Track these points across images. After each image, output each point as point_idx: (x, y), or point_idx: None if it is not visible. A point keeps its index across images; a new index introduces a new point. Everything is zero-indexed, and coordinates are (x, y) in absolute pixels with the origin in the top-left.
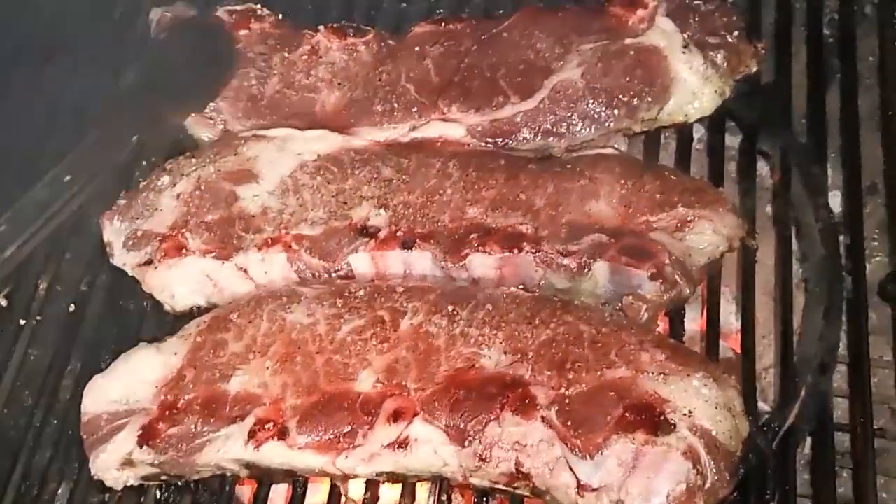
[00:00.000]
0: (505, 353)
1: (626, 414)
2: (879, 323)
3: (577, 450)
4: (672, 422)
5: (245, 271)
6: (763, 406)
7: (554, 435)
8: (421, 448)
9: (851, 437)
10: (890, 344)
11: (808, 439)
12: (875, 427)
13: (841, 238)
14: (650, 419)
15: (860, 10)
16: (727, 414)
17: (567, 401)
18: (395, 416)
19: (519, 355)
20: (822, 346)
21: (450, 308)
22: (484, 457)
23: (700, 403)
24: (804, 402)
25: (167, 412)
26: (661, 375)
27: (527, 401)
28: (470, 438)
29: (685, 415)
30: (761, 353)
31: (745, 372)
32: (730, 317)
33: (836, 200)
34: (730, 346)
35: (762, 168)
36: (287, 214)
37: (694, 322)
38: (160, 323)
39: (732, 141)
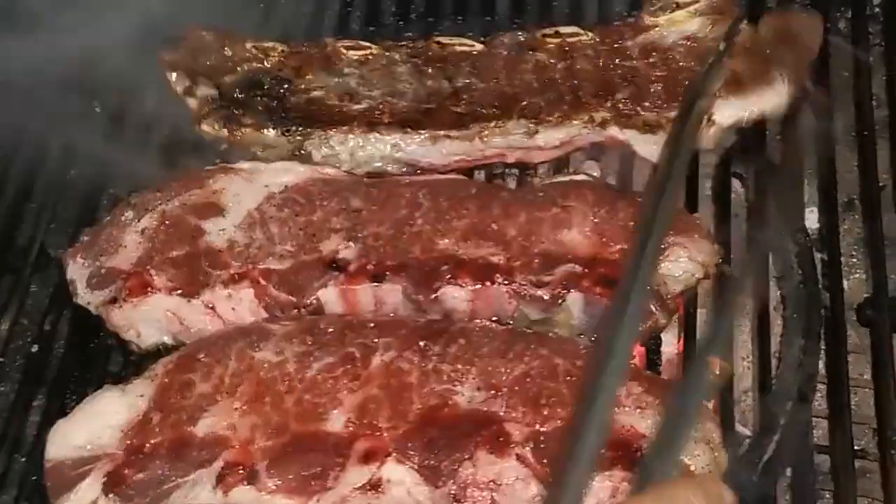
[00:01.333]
0: (478, 388)
1: (603, 450)
2: (861, 342)
3: None
4: None
5: (212, 308)
6: (744, 430)
7: (529, 473)
8: (394, 490)
9: (831, 459)
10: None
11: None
12: (857, 448)
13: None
14: (627, 455)
15: (833, 25)
16: (705, 447)
17: (542, 437)
18: (367, 458)
19: (493, 391)
20: (801, 374)
21: (421, 343)
22: (458, 497)
23: None
24: (784, 433)
25: (133, 457)
26: (638, 409)
27: (501, 438)
28: (444, 478)
29: None
30: (742, 376)
31: (723, 403)
32: None
33: (814, 216)
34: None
35: (740, 187)
36: (254, 249)
37: (672, 345)
38: (126, 360)
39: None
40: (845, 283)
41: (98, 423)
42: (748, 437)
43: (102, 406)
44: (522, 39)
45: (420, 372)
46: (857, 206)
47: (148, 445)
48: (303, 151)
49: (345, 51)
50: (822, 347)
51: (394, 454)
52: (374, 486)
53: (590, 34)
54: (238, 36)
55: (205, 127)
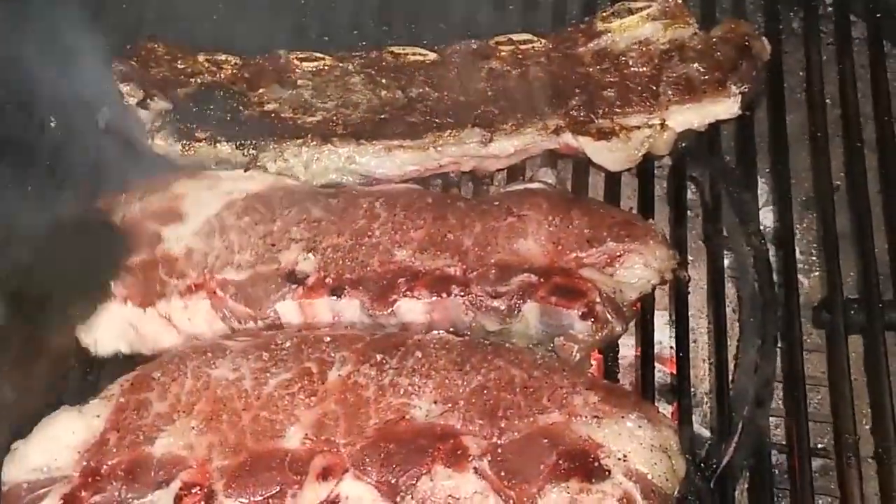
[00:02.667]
0: (435, 402)
1: (560, 461)
2: (822, 341)
3: (511, 501)
4: (607, 467)
5: (168, 319)
6: (706, 432)
7: (487, 486)
8: None
9: (788, 458)
10: None
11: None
12: (820, 447)
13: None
14: (584, 466)
15: (787, 25)
16: (663, 455)
17: (499, 450)
18: (325, 474)
19: (450, 404)
20: (757, 379)
21: (378, 357)
22: None
23: (635, 446)
24: (741, 437)
25: (90, 479)
26: (595, 419)
27: (459, 452)
28: (402, 493)
29: (620, 459)
30: (703, 378)
31: (681, 408)
32: (672, 340)
33: (773, 216)
34: (669, 370)
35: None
36: (212, 258)
37: (630, 348)
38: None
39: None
40: (806, 281)
41: (55, 444)
42: (709, 439)
43: (59, 427)
44: (475, 48)
45: (377, 386)
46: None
47: (105, 467)
48: (258, 165)
49: (298, 62)
50: (780, 348)
51: (351, 470)
52: (333, 503)
53: (543, 41)
54: (191, 48)
55: (158, 141)
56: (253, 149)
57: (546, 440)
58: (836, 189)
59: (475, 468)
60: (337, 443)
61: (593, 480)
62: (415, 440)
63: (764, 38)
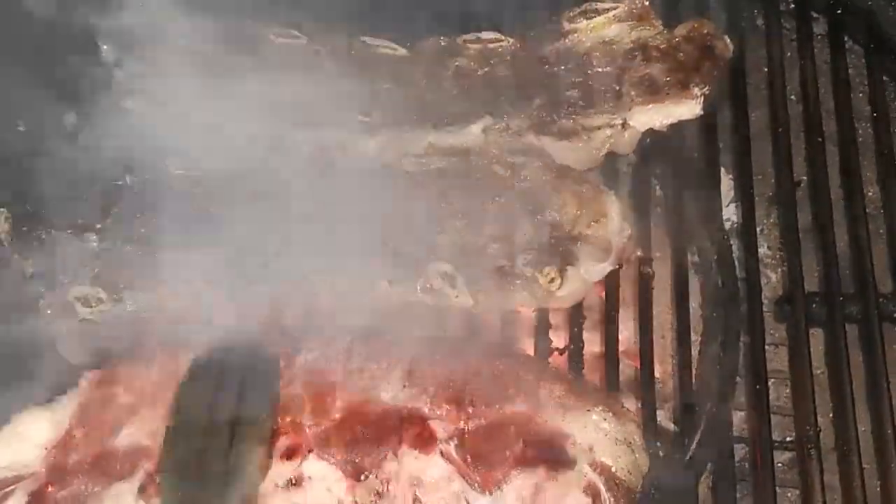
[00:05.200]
0: (404, 386)
1: (527, 449)
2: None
3: (476, 485)
4: (573, 457)
5: None
6: (670, 427)
7: (453, 470)
8: (315, 486)
9: (750, 451)
10: None
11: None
12: (789, 440)
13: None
14: (550, 454)
15: (751, 21)
16: (626, 449)
17: (466, 435)
18: (289, 454)
19: (417, 389)
20: (720, 373)
21: (346, 341)
22: (381, 492)
23: (600, 438)
24: (705, 431)
25: (56, 475)
26: (561, 410)
27: (425, 434)
28: (366, 473)
29: (586, 450)
30: (671, 373)
31: (644, 403)
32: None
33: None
34: (636, 364)
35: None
36: None
37: (597, 344)
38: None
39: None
40: (772, 276)
41: (22, 442)
42: (674, 433)
43: (27, 425)
44: (444, 45)
45: (344, 370)
46: None
47: (71, 462)
48: None
49: (273, 37)
50: (743, 342)
51: (315, 450)
52: (296, 482)
53: (510, 40)
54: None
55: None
56: None
57: (513, 428)
58: (799, 184)
59: (441, 451)
60: (302, 424)
61: (559, 469)
62: (381, 421)
63: (726, 36)
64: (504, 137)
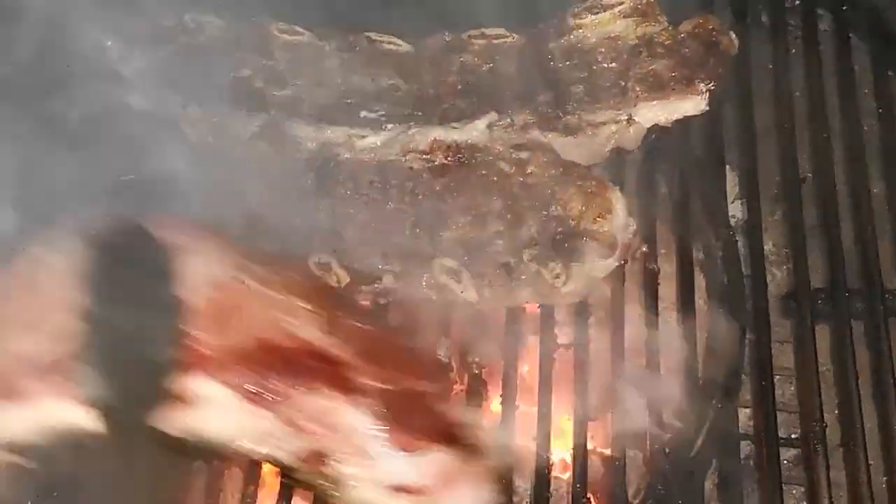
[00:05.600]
0: (328, 333)
1: (447, 427)
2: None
3: (390, 442)
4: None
5: None
6: (676, 423)
7: (368, 420)
8: (213, 407)
9: (755, 448)
10: None
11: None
12: (794, 437)
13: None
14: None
15: (755, 19)
16: None
17: (389, 395)
18: (187, 370)
19: (341, 339)
20: (726, 369)
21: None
22: (290, 423)
23: None
24: (710, 428)
25: None
26: None
27: (344, 378)
28: (277, 402)
29: None
30: (673, 370)
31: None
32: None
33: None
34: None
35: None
36: None
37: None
38: None
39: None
40: (778, 272)
41: None
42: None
43: None
44: (449, 40)
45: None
46: None
47: None
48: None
49: (278, 33)
50: (749, 339)
51: (219, 371)
52: (186, 399)
53: (515, 36)
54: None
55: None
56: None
57: (433, 404)
58: (805, 181)
59: (361, 400)
60: (210, 343)
61: (476, 452)
62: (300, 357)
63: (731, 32)
64: (509, 133)
